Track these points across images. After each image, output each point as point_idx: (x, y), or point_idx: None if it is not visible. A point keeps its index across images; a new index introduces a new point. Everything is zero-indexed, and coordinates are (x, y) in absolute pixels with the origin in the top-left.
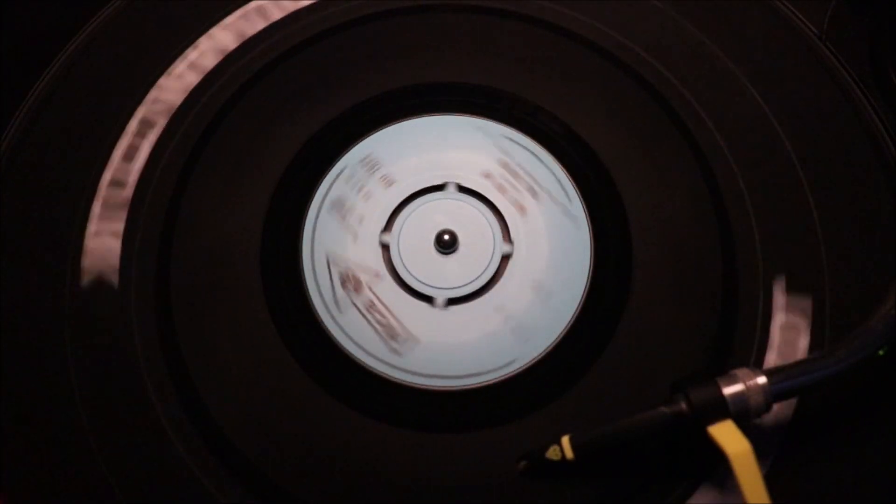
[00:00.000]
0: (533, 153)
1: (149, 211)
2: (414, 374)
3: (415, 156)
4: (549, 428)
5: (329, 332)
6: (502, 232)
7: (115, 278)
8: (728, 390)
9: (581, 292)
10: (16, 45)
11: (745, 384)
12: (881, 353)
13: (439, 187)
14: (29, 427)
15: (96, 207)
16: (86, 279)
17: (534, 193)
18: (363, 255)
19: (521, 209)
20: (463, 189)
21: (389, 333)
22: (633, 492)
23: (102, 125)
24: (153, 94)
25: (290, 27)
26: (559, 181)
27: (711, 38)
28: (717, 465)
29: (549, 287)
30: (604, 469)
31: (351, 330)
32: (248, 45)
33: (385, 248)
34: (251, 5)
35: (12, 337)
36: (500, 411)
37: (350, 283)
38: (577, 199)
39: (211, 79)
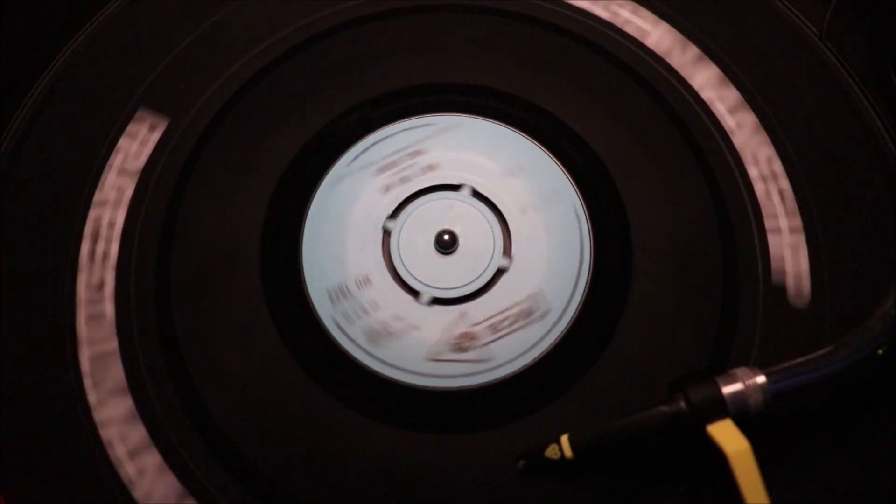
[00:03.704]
0: (378, 140)
1: (149, 211)
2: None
3: (344, 248)
4: (549, 428)
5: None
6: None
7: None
8: (727, 389)
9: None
10: (16, 45)
11: (745, 383)
12: (880, 352)
13: (386, 235)
14: (29, 427)
15: (96, 206)
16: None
17: (417, 153)
18: (438, 324)
19: (431, 168)
20: (394, 214)
21: (527, 316)
22: (632, 492)
23: (102, 125)
24: (153, 94)
25: (289, 27)
26: (410, 128)
27: (711, 38)
28: (716, 465)
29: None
30: (603, 469)
31: (513, 352)
32: (248, 46)
33: (434, 302)
34: (251, 6)
35: (12, 337)
36: (500, 411)
37: (465, 342)
38: (432, 117)
39: (211, 79)
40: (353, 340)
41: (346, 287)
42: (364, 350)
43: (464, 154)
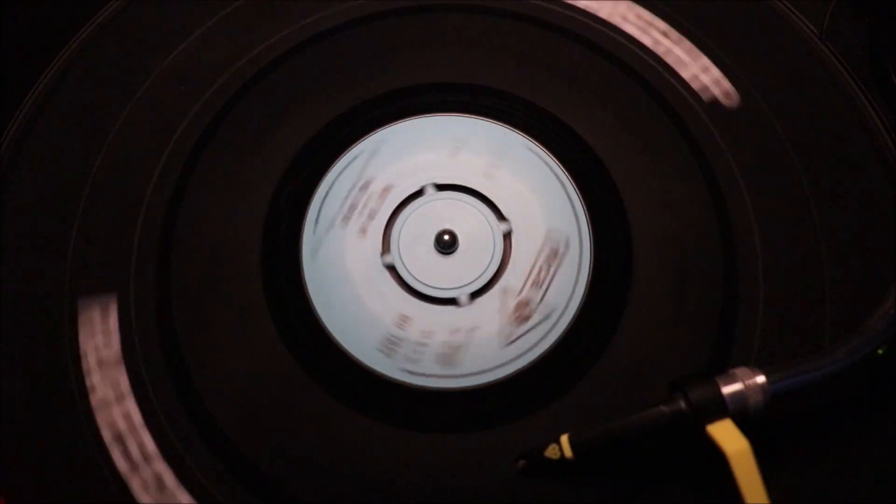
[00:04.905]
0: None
1: (149, 211)
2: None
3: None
4: (549, 428)
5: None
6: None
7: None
8: (727, 389)
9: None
10: (16, 45)
11: (744, 383)
12: (880, 352)
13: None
14: (29, 427)
15: (96, 206)
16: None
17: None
18: (493, 311)
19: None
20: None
21: (554, 254)
22: (633, 492)
23: (102, 125)
24: (153, 94)
25: (290, 27)
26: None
27: (711, 38)
28: (716, 465)
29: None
30: (603, 469)
31: (560, 299)
32: (249, 46)
33: (475, 295)
34: (250, 6)
35: (12, 337)
36: (500, 411)
37: (524, 309)
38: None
39: (211, 79)
40: (431, 375)
41: (393, 335)
42: (444, 376)
43: (405, 160)
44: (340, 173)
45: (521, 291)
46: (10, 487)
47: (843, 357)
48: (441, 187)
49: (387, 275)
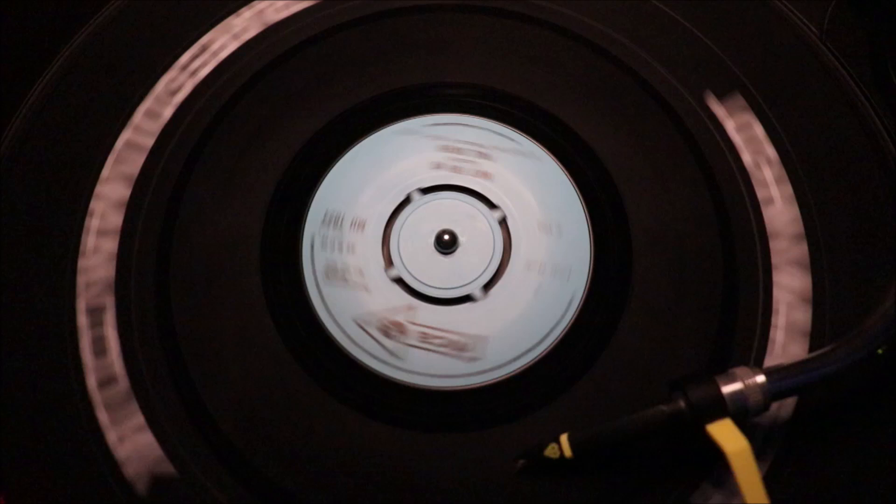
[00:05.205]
0: (462, 124)
1: (148, 211)
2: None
3: (366, 188)
4: (548, 427)
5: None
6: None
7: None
8: (726, 389)
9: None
10: (16, 45)
11: (744, 383)
12: (880, 352)
13: (405, 202)
14: (29, 427)
15: (96, 206)
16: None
17: (484, 156)
18: (385, 300)
19: (485, 175)
20: (426, 190)
21: (457, 348)
22: (632, 492)
23: (102, 125)
24: (153, 94)
25: (289, 28)
26: (497, 133)
27: (712, 39)
28: (716, 464)
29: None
30: (603, 468)
31: (425, 367)
32: (248, 46)
33: (397, 281)
34: (250, 6)
35: (12, 337)
36: (500, 411)
37: (393, 330)
38: (523, 137)
39: (211, 79)
40: (313, 265)
41: (342, 219)
42: (314, 281)
43: (521, 184)
44: (473, 126)
45: (412, 322)
46: (10, 487)
47: (843, 357)
48: (502, 223)
49: (396, 198)
